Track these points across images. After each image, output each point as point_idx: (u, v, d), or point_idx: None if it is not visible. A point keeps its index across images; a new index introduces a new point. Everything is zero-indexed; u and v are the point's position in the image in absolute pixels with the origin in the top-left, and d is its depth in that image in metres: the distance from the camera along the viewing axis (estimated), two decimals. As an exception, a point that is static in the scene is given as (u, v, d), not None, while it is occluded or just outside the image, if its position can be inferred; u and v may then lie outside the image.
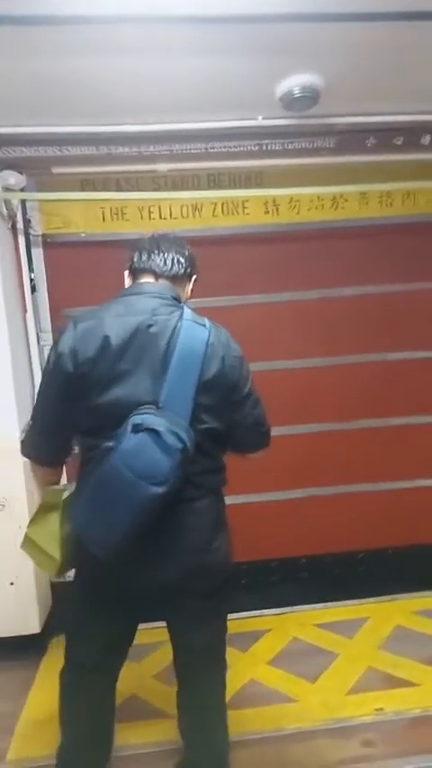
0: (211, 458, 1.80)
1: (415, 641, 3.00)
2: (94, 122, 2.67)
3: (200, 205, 3.26)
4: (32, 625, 3.00)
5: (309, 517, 3.41)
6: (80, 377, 1.68)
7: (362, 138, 2.96)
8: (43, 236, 3.17)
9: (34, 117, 2.61)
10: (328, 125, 2.81)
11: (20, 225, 3.06)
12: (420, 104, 2.75)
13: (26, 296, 3.10)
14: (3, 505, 2.91)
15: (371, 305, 3.40)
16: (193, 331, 1.74)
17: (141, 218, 3.23)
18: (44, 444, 1.84)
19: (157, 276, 1.87)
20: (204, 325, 1.77)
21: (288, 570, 3.44)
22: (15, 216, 3.04)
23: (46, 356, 3.10)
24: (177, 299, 1.85)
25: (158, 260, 1.87)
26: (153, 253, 1.88)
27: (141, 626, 1.95)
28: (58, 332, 3.01)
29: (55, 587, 3.24)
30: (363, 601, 3.39)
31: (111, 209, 3.20)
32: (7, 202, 2.99)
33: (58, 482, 1.95)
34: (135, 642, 1.96)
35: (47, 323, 3.21)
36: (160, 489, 1.54)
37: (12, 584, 2.96)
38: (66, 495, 1.84)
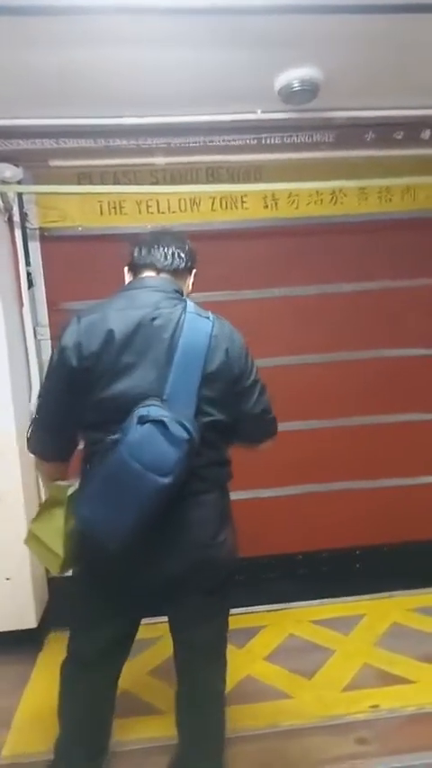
0: (216, 450, 1.82)
1: (411, 638, 3.00)
2: (92, 115, 2.64)
3: (198, 199, 3.23)
4: (29, 620, 3.00)
5: (306, 514, 3.41)
6: (84, 371, 1.69)
7: (361, 133, 2.94)
8: (40, 229, 3.14)
9: (31, 109, 2.59)
10: (327, 119, 2.79)
11: (16, 218, 3.04)
12: (420, 99, 2.72)
13: (23, 290, 3.07)
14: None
15: (370, 301, 3.38)
16: (197, 323, 1.75)
17: (139, 211, 3.20)
18: (50, 440, 1.85)
19: (158, 270, 1.89)
20: (208, 318, 1.79)
21: (285, 566, 3.43)
22: (12, 209, 3.01)
23: (43, 350, 3.15)
24: (180, 293, 1.87)
25: (159, 254, 1.88)
26: (153, 247, 1.90)
27: (137, 622, 1.94)
28: (56, 326, 3.06)
29: (52, 582, 3.24)
30: (359, 597, 3.40)
31: (108, 203, 3.18)
32: (3, 195, 2.96)
33: (64, 478, 1.95)
34: (131, 638, 1.96)
35: (44, 317, 3.19)
36: (167, 480, 1.55)
37: (8, 579, 2.96)
38: (71, 491, 1.85)
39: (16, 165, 2.91)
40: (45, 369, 3.04)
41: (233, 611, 1.98)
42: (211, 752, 2.01)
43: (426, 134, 3.00)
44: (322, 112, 2.72)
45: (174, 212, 3.22)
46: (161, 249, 1.89)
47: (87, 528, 1.66)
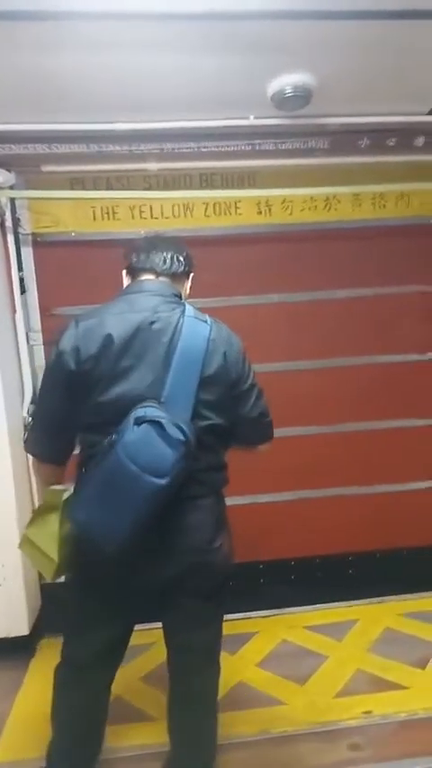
0: (214, 454, 1.83)
1: (404, 644, 3.00)
2: (85, 120, 2.64)
3: (191, 205, 3.23)
4: (21, 627, 2.99)
5: (299, 520, 3.40)
6: (82, 374, 1.70)
7: (355, 139, 2.96)
8: (33, 234, 3.13)
9: (24, 114, 2.59)
10: (320, 125, 2.80)
11: (8, 223, 3.03)
12: (414, 105, 2.74)
13: (15, 295, 3.06)
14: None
15: (364, 307, 3.39)
16: (195, 327, 1.77)
17: (132, 217, 3.20)
18: (47, 442, 1.86)
19: (157, 274, 1.90)
20: (206, 322, 1.81)
21: (277, 572, 3.43)
22: (4, 214, 3.01)
23: (36, 356, 3.13)
24: (178, 297, 1.89)
25: (158, 258, 1.90)
26: (152, 252, 1.92)
27: (129, 628, 1.94)
28: (49, 332, 3.05)
29: (44, 589, 3.22)
30: (352, 603, 3.40)
31: (101, 209, 3.17)
32: (-4, 200, 2.96)
33: (60, 481, 1.95)
34: (123, 644, 1.95)
35: (36, 323, 3.17)
36: (163, 482, 1.55)
37: (0, 585, 2.93)
38: (66, 495, 1.84)
39: (8, 171, 2.90)
40: (38, 375, 3.06)
41: (225, 616, 1.99)
42: (203, 758, 2.01)
43: (419, 141, 3.01)
44: (315, 119, 2.73)
45: (167, 218, 3.22)
46: (160, 253, 1.91)
47: (84, 531, 1.66)
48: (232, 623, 3.10)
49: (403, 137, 2.97)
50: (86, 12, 1.91)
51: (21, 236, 3.08)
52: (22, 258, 3.10)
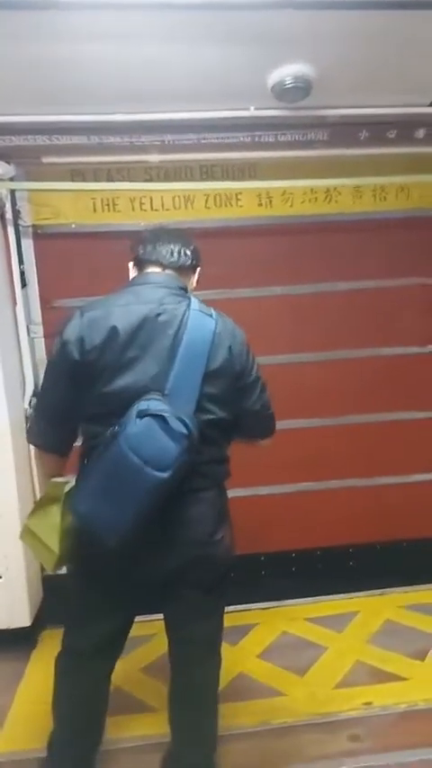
0: (217, 447, 1.84)
1: (404, 635, 3.01)
2: (85, 111, 2.62)
3: (192, 196, 3.21)
4: (23, 618, 3.00)
5: (299, 511, 3.41)
6: (87, 365, 1.70)
7: (355, 131, 2.93)
8: (33, 226, 3.12)
9: (24, 105, 2.57)
10: (320, 117, 2.77)
11: (9, 215, 3.01)
12: (414, 97, 2.71)
13: (16, 288, 3.05)
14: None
15: (365, 299, 3.38)
16: (201, 321, 1.77)
17: (133, 209, 3.19)
18: (50, 432, 1.86)
19: (163, 267, 1.90)
20: (211, 316, 1.81)
21: (278, 564, 3.43)
22: (4, 206, 2.99)
23: (36, 349, 3.13)
24: (184, 290, 1.88)
25: (164, 251, 1.90)
26: (158, 244, 1.91)
27: (129, 619, 1.94)
28: (50, 324, 3.04)
29: (46, 581, 3.23)
30: (352, 595, 3.41)
31: (102, 200, 3.16)
32: (-4, 192, 2.94)
33: (62, 473, 1.96)
34: (123, 635, 1.96)
35: (37, 315, 3.17)
36: (165, 475, 1.56)
37: (1, 577, 2.94)
38: (68, 487, 1.85)
39: (8, 162, 2.89)
40: (39, 367, 3.06)
41: (226, 608, 1.99)
42: (204, 749, 2.02)
43: (420, 133, 2.99)
44: (315, 110, 2.70)
45: (167, 209, 3.21)
46: (166, 246, 1.90)
47: (85, 524, 1.67)
48: (233, 615, 3.10)
49: (404, 128, 2.94)
50: (87, 2, 1.89)
51: (21, 228, 3.07)
52: (23, 250, 3.09)
